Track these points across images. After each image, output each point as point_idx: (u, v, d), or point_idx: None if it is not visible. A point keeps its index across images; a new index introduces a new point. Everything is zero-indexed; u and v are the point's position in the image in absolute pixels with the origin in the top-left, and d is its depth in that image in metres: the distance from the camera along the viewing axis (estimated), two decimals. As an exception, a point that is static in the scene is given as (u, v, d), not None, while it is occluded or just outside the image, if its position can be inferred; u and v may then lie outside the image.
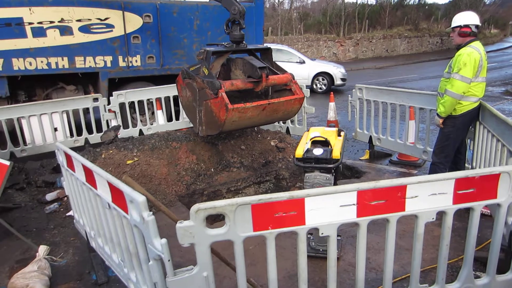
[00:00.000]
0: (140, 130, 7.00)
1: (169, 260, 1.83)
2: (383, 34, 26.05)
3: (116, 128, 5.89)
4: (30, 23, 6.45)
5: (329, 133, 3.19)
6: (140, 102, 6.98)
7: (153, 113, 7.37)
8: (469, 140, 4.34)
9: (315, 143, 3.07)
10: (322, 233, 1.95)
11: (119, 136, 6.14)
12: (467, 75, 3.81)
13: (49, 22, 6.57)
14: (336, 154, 2.92)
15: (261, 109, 4.68)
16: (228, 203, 1.77)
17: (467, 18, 3.99)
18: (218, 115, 4.48)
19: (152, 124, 7.17)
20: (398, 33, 26.69)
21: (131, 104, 6.89)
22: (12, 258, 3.63)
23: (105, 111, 6.61)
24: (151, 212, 1.87)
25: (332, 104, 7.37)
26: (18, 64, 6.54)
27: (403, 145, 5.36)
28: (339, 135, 3.24)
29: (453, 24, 4.05)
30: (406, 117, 5.33)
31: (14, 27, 6.35)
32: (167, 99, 7.26)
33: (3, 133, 5.96)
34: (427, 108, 4.87)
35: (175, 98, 7.08)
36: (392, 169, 5.49)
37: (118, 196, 2.20)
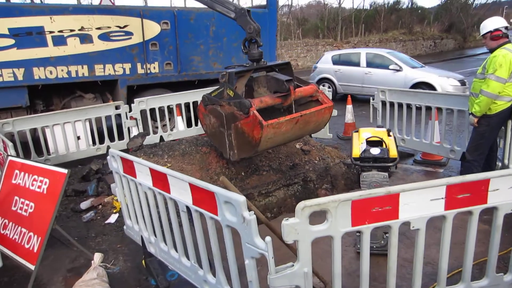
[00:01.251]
0: (161, 137, 7.03)
1: (272, 258, 1.88)
2: (379, 38, 26.42)
3: (144, 135, 5.92)
4: (51, 32, 6.48)
5: (380, 133, 3.27)
6: (160, 109, 7.01)
7: (170, 119, 7.42)
8: (499, 139, 4.47)
9: (369, 143, 3.15)
10: (413, 227, 2.03)
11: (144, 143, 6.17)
12: (502, 76, 3.96)
13: (69, 31, 6.60)
14: (393, 153, 3.00)
15: (294, 123, 4.51)
16: (331, 200, 1.84)
17: (496, 22, 4.15)
18: (252, 135, 4.25)
19: (172, 130, 7.21)
20: (393, 36, 27.10)
21: (151, 111, 6.92)
22: (63, 267, 3.63)
23: (127, 118, 6.63)
24: (252, 212, 1.93)
25: (349, 107, 7.50)
26: (39, 73, 6.55)
27: (429, 145, 5.48)
28: (389, 135, 3.33)
29: (483, 31, 4.20)
30: (432, 118, 5.45)
31: (35, 36, 6.37)
32: (186, 105, 7.30)
33: (27, 143, 5.94)
34: (455, 109, 5.00)
35: (194, 104, 7.15)
36: (419, 168, 5.61)
37: (202, 198, 2.25)
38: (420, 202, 1.99)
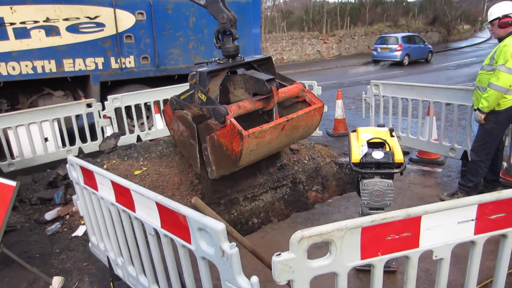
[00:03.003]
0: (138, 136, 6.51)
1: (261, 303, 1.45)
2: (364, 30, 26.19)
3: (117, 136, 5.40)
4: (12, 24, 5.85)
5: (382, 133, 2.87)
6: (137, 106, 6.48)
7: (148, 117, 6.90)
8: (504, 136, 4.13)
9: (370, 145, 2.74)
10: (436, 256, 1.62)
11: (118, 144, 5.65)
12: None
13: (33, 22, 5.98)
14: (399, 157, 2.60)
15: (280, 129, 3.86)
16: (337, 228, 1.42)
17: (505, 8, 3.73)
18: (231, 148, 3.59)
19: (150, 129, 6.69)
20: (378, 29, 26.90)
21: (127, 108, 6.39)
22: (18, 291, 3.13)
23: (100, 117, 6.08)
24: (234, 244, 1.49)
25: (339, 102, 7.12)
26: (0, 70, 5.92)
27: (427, 143, 5.12)
28: (391, 135, 2.93)
29: (491, 17, 3.80)
30: (430, 113, 5.10)
31: (-6, 28, 5.74)
32: (165, 102, 6.79)
33: (-13, 146, 5.35)
34: (455, 103, 4.64)
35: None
36: (415, 168, 5.26)
37: (173, 222, 1.80)
38: (446, 225, 1.59)
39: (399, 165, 2.59)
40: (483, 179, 4.22)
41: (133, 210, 2.13)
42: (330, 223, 1.43)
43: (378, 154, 2.58)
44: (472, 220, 1.62)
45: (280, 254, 1.41)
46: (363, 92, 5.94)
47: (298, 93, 4.31)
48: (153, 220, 1.96)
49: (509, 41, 3.62)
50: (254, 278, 1.44)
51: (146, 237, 2.17)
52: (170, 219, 1.82)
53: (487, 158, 3.96)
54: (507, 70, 3.57)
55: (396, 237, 1.53)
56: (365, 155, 2.62)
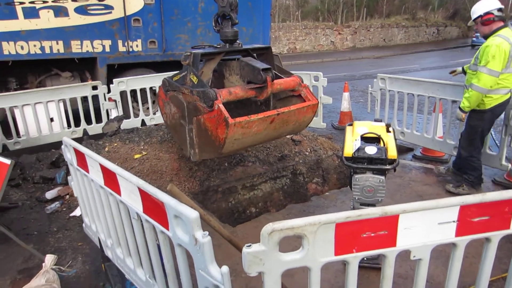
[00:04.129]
0: (143, 121, 6.55)
1: (230, 294, 1.45)
2: (381, 23, 25.65)
3: (120, 119, 5.43)
4: (21, 3, 5.88)
5: (378, 128, 2.82)
6: (142, 91, 6.50)
7: (154, 102, 6.91)
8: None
9: (364, 140, 2.69)
10: (414, 256, 1.59)
11: (121, 127, 5.69)
12: (495, 69, 3.57)
13: (42, 2, 6.00)
14: (392, 153, 2.56)
15: (268, 122, 3.74)
16: (309, 222, 1.40)
17: (486, 4, 3.70)
18: (216, 134, 3.53)
19: (155, 114, 6.71)
20: (395, 22, 26.32)
21: (133, 92, 6.41)
22: (14, 267, 3.21)
23: (105, 99, 6.13)
24: (207, 233, 1.48)
25: (346, 94, 7.02)
26: (9, 48, 5.99)
27: (431, 140, 5.03)
28: (388, 130, 2.87)
29: (473, 15, 3.79)
30: (436, 110, 4.99)
31: (3, 7, 5.78)
32: (171, 87, 6.79)
33: (-5, 124, 5.45)
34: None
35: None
36: (418, 165, 5.18)
37: (153, 207, 1.80)
38: (425, 226, 1.55)
39: (392, 161, 2.54)
40: (452, 165, 4.56)
41: (119, 193, 2.15)
42: (303, 217, 1.41)
43: (371, 149, 2.54)
44: (454, 221, 1.58)
45: (250, 245, 1.40)
46: (370, 85, 5.84)
47: (294, 87, 4.16)
48: (136, 205, 1.97)
49: (491, 42, 3.59)
50: (225, 268, 1.44)
51: (131, 221, 2.18)
52: (151, 204, 1.83)
53: (477, 152, 4.10)
54: (488, 72, 3.59)
55: (372, 234, 1.51)
56: (358, 149, 2.58)
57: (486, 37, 3.74)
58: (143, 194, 1.86)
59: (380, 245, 1.54)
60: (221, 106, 3.41)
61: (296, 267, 1.48)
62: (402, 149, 5.69)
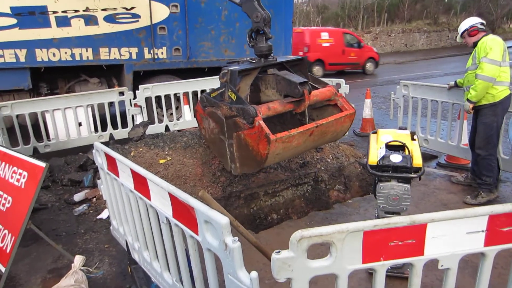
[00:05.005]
0: (167, 126, 6.69)
1: (258, 299, 1.48)
2: (402, 28, 25.36)
3: (145, 124, 5.57)
4: (54, 12, 6.16)
5: (402, 136, 2.81)
6: (167, 97, 6.65)
7: (177, 108, 7.05)
8: None
9: (389, 148, 2.69)
10: (442, 265, 1.59)
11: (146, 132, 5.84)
12: (496, 58, 3.87)
13: (73, 11, 6.27)
14: (417, 161, 2.54)
15: (308, 135, 3.79)
16: (337, 230, 1.42)
17: (469, 21, 4.26)
18: (257, 149, 3.56)
19: (178, 120, 6.86)
20: (417, 27, 25.97)
21: (157, 98, 6.57)
22: (44, 267, 3.34)
23: (131, 105, 6.31)
24: (237, 238, 1.53)
25: (368, 101, 6.98)
26: (42, 55, 6.26)
27: (456, 147, 4.95)
28: (412, 138, 2.86)
29: (460, 31, 4.28)
30: (460, 117, 4.92)
31: (38, 16, 6.06)
32: (194, 93, 6.93)
33: (27, 128, 5.69)
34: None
35: (203, 93, 6.76)
36: (442, 173, 5.09)
37: (183, 212, 1.86)
38: (453, 235, 1.55)
39: (417, 169, 2.53)
40: (470, 173, 4.61)
41: (149, 198, 2.22)
42: (332, 225, 1.44)
43: (396, 158, 2.53)
44: (483, 231, 1.57)
45: (279, 251, 1.44)
46: (392, 92, 5.79)
47: (330, 97, 4.24)
48: (166, 210, 2.03)
49: (484, 39, 4.02)
50: (254, 273, 1.48)
51: (160, 225, 2.25)
52: (181, 209, 1.89)
53: (494, 151, 4.20)
54: (489, 61, 3.89)
55: (400, 243, 1.52)
56: (383, 157, 2.58)
57: (474, 45, 4.17)
58: (173, 199, 1.93)
59: (407, 253, 1.54)
60: (262, 122, 3.46)
61: (324, 273, 1.50)
62: (426, 157, 5.61)
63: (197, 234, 1.78)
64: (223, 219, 1.54)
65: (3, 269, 2.85)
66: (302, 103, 3.87)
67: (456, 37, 4.51)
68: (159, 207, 2.11)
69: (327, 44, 14.70)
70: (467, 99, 4.16)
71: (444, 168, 5.28)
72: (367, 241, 1.48)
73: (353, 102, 6.38)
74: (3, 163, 3.32)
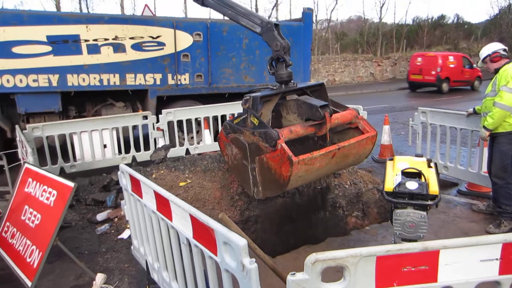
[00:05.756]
0: (187, 150, 6.87)
1: (274, 318, 1.53)
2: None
3: (167, 147, 5.75)
4: (86, 40, 6.55)
5: (419, 164, 2.84)
6: (188, 121, 6.87)
7: (198, 132, 7.24)
8: None
9: (405, 175, 2.73)
10: (456, 294, 1.61)
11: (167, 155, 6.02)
12: None
13: (103, 40, 6.65)
14: (433, 189, 2.57)
15: (330, 157, 3.83)
16: (350, 254, 1.48)
17: (492, 46, 4.30)
18: (280, 172, 3.61)
19: (199, 144, 7.03)
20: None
21: (179, 122, 6.79)
22: (67, 283, 3.45)
23: (154, 129, 6.53)
24: (254, 260, 1.60)
25: (386, 127, 7.00)
26: (72, 80, 6.63)
27: (476, 175, 4.89)
28: (429, 166, 2.89)
29: (482, 56, 4.33)
30: (480, 144, 4.88)
31: (71, 44, 6.46)
32: (214, 118, 7.13)
33: (55, 148, 5.96)
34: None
35: (223, 118, 6.96)
36: (463, 201, 5.01)
37: (203, 234, 1.95)
38: (467, 262, 1.57)
39: (433, 197, 2.55)
40: (492, 201, 4.51)
41: (171, 219, 2.32)
42: (345, 249, 1.49)
43: (412, 185, 2.57)
44: (497, 259, 1.59)
45: (294, 273, 1.50)
46: (410, 118, 5.81)
47: (351, 120, 4.30)
48: (187, 231, 2.13)
49: (507, 67, 4.05)
50: (270, 294, 1.54)
51: (180, 245, 2.34)
52: (201, 230, 1.97)
53: (511, 179, 4.17)
54: (509, 90, 3.93)
55: (413, 269, 1.55)
56: (399, 184, 2.62)
57: (496, 71, 4.19)
58: (194, 221, 2.02)
59: (421, 280, 1.57)
60: (284, 145, 3.53)
61: (337, 297, 1.54)
62: (446, 184, 5.54)
63: (216, 255, 1.86)
64: (241, 241, 1.62)
65: (29, 284, 2.97)
66: (324, 125, 3.94)
67: (477, 62, 4.54)
68: (180, 228, 2.21)
69: (452, 66, 18.14)
70: (484, 126, 4.18)
71: (465, 196, 5.19)
72: (380, 266, 1.53)
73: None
74: (35, 182, 3.51)
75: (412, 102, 15.02)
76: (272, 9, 25.18)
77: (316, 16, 26.08)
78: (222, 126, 4.34)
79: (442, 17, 30.28)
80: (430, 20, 29.38)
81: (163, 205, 2.40)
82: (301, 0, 41.23)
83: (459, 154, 5.15)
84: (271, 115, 4.24)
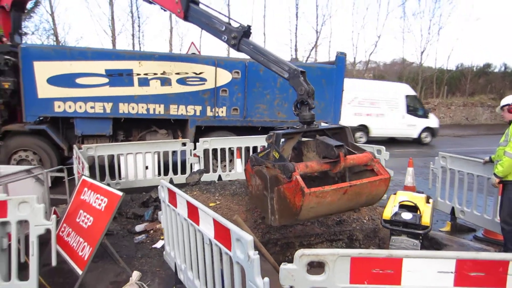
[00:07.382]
0: (219, 176, 7.46)
1: (269, 299, 1.99)
2: (463, 101, 25.09)
3: (201, 172, 6.37)
4: (137, 74, 7.52)
5: (417, 198, 3.22)
6: (222, 150, 7.51)
7: (230, 160, 7.84)
8: None
9: (403, 207, 3.11)
10: (417, 297, 1.98)
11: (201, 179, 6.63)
12: None
13: (153, 74, 7.59)
14: (425, 220, 2.93)
15: (341, 193, 4.10)
16: (330, 253, 1.92)
17: None
18: (293, 201, 3.95)
19: (230, 171, 7.61)
20: (480, 101, 25.51)
21: (214, 151, 7.44)
22: (107, 279, 4.02)
23: (191, 155, 7.21)
24: (257, 252, 2.08)
25: (410, 169, 7.23)
26: (123, 108, 7.55)
27: (491, 221, 5.04)
28: (427, 202, 3.25)
29: (502, 103, 4.64)
30: (495, 191, 5.07)
31: (125, 77, 7.44)
32: (246, 149, 7.72)
33: (103, 167, 6.76)
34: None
35: (254, 149, 7.53)
36: (477, 246, 5.14)
37: (222, 234, 2.45)
38: (426, 272, 1.96)
39: (425, 227, 2.91)
40: (503, 247, 4.59)
41: (198, 224, 2.85)
42: (327, 249, 1.95)
43: (406, 215, 2.95)
44: (452, 272, 1.96)
45: (286, 264, 1.96)
46: (431, 162, 6.09)
47: (367, 162, 4.55)
48: (209, 232, 2.64)
49: None
50: (266, 279, 2.00)
51: (204, 247, 2.85)
52: (220, 231, 2.48)
53: None
54: None
55: (381, 272, 1.96)
56: (395, 214, 3.01)
57: (510, 122, 4.47)
58: (216, 223, 2.54)
59: (387, 281, 1.97)
60: (299, 177, 3.88)
61: (319, 287, 1.98)
62: (463, 229, 5.69)
63: (230, 250, 2.35)
64: (248, 237, 2.12)
65: (80, 272, 3.57)
66: (338, 164, 4.30)
67: (497, 108, 4.82)
68: (205, 231, 2.73)
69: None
70: (494, 173, 4.43)
71: (480, 241, 5.30)
72: (354, 266, 1.95)
73: (400, 170, 6.74)
74: (90, 191, 4.20)
75: (450, 148, 14.93)
76: (311, 50, 26.20)
77: (354, 58, 26.79)
78: (249, 158, 4.82)
79: (487, 65, 29.92)
80: (474, 68, 29.08)
81: (192, 212, 2.94)
82: (340, 41, 41.82)
83: (475, 200, 5.33)
84: (292, 151, 4.68)
